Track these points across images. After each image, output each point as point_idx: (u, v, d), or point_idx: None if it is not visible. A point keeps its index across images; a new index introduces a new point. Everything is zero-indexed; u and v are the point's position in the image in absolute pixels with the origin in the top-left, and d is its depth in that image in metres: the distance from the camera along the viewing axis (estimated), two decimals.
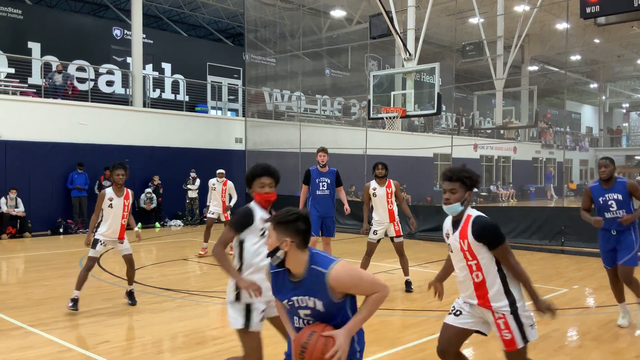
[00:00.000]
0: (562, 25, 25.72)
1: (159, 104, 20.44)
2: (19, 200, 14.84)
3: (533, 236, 13.35)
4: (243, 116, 21.68)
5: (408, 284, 8.59)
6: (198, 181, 18.10)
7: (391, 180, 8.53)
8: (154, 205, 17.62)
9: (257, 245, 3.92)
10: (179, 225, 18.05)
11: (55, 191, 15.95)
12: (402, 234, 8.58)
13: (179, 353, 5.65)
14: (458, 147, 21.07)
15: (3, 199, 14.71)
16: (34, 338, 6.02)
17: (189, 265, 11.18)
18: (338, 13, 24.47)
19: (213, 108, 22.66)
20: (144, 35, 19.74)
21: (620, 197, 6.15)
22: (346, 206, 9.21)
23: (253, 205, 3.99)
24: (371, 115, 14.27)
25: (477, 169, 29.84)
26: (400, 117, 13.65)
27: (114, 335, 6.17)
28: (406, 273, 8.66)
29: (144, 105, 19.03)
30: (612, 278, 6.51)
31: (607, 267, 6.51)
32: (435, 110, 12.94)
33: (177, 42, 24.69)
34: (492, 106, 25.20)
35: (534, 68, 35.47)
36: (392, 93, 13.56)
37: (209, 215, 12.25)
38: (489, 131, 31.41)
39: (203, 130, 19.62)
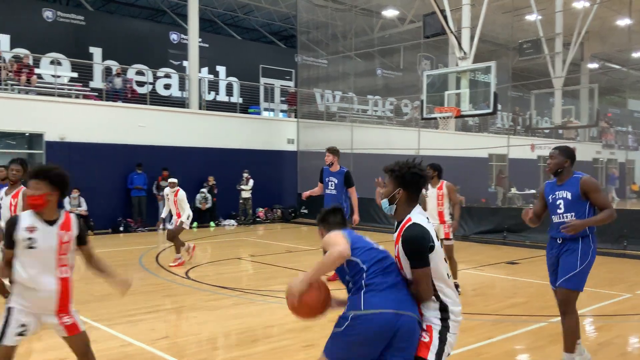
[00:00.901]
0: (623, 22, 24.70)
1: (214, 106, 20.85)
2: (82, 199, 15.44)
3: None
4: (295, 117, 21.86)
5: (455, 287, 8.43)
6: (251, 182, 18.37)
7: (444, 182, 8.39)
8: (208, 205, 17.97)
9: (21, 257, 3.58)
10: (233, 225, 18.35)
11: (115, 191, 16.50)
12: (452, 237, 8.40)
13: (234, 350, 5.75)
14: (514, 148, 20.61)
15: (67, 198, 15.34)
16: (97, 333, 6.24)
17: (243, 264, 11.36)
18: (390, 13, 24.33)
19: (266, 109, 22.93)
20: (200, 39, 20.18)
21: (569, 195, 4.78)
22: (355, 216, 8.80)
23: (25, 212, 3.70)
24: (424, 115, 14.12)
25: (535, 169, 29.04)
26: (455, 117, 13.45)
27: (173, 331, 6.34)
28: (454, 276, 8.52)
29: (200, 108, 19.45)
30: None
31: (553, 288, 5.00)
32: (491, 110, 12.68)
33: (231, 45, 25.12)
34: (550, 105, 24.50)
35: (594, 66, 34.22)
36: (446, 92, 13.37)
37: (168, 226, 11.51)
38: (546, 131, 30.52)
39: (256, 132, 19.88)
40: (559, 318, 6.92)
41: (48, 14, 19.62)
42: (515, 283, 9.26)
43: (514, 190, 24.85)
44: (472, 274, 10.05)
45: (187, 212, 10.75)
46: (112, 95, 17.58)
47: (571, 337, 4.81)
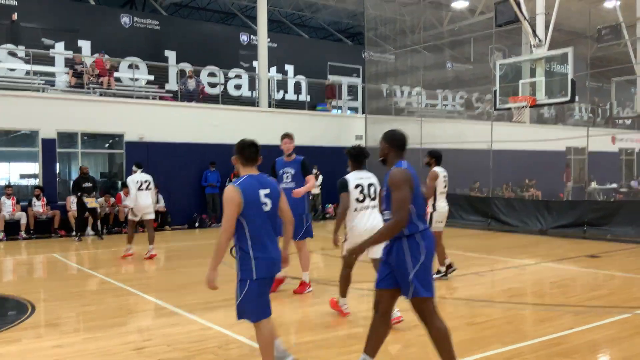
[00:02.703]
0: None
1: (283, 104, 21.15)
2: (160, 196, 16.04)
3: None
4: (363, 114, 21.82)
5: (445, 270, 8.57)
6: (321, 178, 18.50)
7: (432, 170, 8.39)
8: None
9: None
10: None
11: (191, 188, 17.05)
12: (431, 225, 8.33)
13: (307, 335, 5.83)
14: (594, 140, 19.71)
15: None
16: (179, 318, 6.50)
17: (315, 257, 11.45)
18: (460, 4, 23.80)
19: (333, 107, 23.01)
20: (269, 40, 20.51)
21: (384, 190, 4.28)
22: (300, 190, 7.55)
23: None
24: (497, 106, 13.74)
25: (615, 163, 27.67)
26: (530, 107, 13.00)
27: None
28: (440, 262, 8.48)
29: (269, 106, 19.78)
30: (375, 310, 4.33)
31: (376, 288, 4.35)
32: (569, 98, 12.16)
33: (299, 44, 25.39)
34: (632, 95, 23.22)
35: None
36: (520, 82, 12.92)
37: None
38: (628, 122, 28.96)
39: (324, 129, 20.00)
40: None
41: (125, 20, 20.55)
42: (597, 276, 8.86)
43: (594, 185, 23.74)
44: (552, 267, 9.70)
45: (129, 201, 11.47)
46: (186, 96, 18.19)
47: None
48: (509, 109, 13.27)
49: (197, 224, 16.85)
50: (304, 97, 22.53)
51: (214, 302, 7.20)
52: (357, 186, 6.15)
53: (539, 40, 12.77)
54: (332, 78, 24.20)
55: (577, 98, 20.83)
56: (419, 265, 4.05)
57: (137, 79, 17.88)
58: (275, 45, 23.18)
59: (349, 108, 24.02)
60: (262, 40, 19.63)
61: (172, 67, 20.08)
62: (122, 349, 5.39)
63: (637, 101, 21.01)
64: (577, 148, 24.12)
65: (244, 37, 23.40)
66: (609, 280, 8.54)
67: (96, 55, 17.93)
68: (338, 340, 5.61)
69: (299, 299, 7.36)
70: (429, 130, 20.00)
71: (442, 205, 8.38)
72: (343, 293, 6.43)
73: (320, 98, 22.87)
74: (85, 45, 19.23)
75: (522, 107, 12.70)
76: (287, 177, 7.78)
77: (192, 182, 17.05)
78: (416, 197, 4.14)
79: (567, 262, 10.12)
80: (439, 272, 8.42)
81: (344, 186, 6.17)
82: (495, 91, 13.81)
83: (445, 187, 8.43)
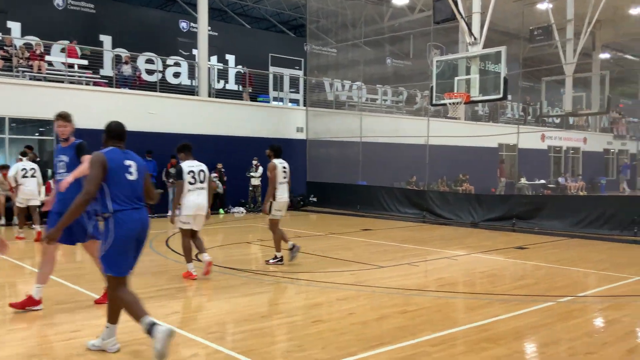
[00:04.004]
0: (636, 10, 24.47)
1: (223, 94, 20.89)
2: None
3: (604, 226, 12.88)
4: (304, 106, 21.86)
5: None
6: (261, 169, 18.42)
7: (271, 162, 9.06)
8: (219, 190, 18.03)
9: None
10: (242, 213, 18.41)
11: None
12: (269, 212, 9.00)
13: (244, 325, 5.80)
14: (524, 138, 20.54)
15: None
16: None
17: (252, 248, 11.43)
18: (400, 1, 24.19)
19: (275, 99, 22.94)
20: (209, 28, 20.18)
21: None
22: (67, 179, 5.88)
23: None
24: (434, 102, 14.09)
25: (544, 160, 28.95)
26: (465, 103, 13.41)
27: (183, 307, 6.40)
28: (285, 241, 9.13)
29: (209, 96, 19.50)
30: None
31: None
32: (501, 95, 12.62)
33: (241, 34, 25.13)
34: (561, 95, 24.36)
35: (606, 56, 33.88)
36: (456, 79, 13.32)
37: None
38: (557, 121, 30.36)
39: (265, 120, 19.92)
40: (569, 298, 6.97)
41: (59, 1, 19.71)
42: (524, 266, 9.26)
43: (523, 181, 24.75)
44: (482, 258, 10.06)
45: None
46: (121, 83, 17.65)
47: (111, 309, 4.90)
48: (445, 104, 13.63)
49: None
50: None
51: (147, 292, 7.06)
52: (189, 172, 7.87)
53: (475, 39, 13.17)
54: (273, 69, 24.09)
55: (509, 96, 21.61)
56: (108, 245, 4.55)
57: (70, 64, 17.19)
58: (216, 34, 22.86)
59: (290, 100, 24.00)
60: (203, 28, 19.29)
61: (107, 51, 19.43)
62: (49, 340, 5.21)
63: (566, 101, 22.03)
64: (509, 145, 25.07)
65: (183, 24, 22.93)
66: (535, 271, 8.94)
67: (35, 38, 17.15)
68: (273, 329, 5.62)
69: (232, 289, 7.31)
70: (368, 124, 20.32)
71: (282, 195, 8.98)
72: (188, 260, 7.83)
73: (262, 89, 22.73)
74: (15, 26, 18.35)
75: (457, 103, 13.08)
76: (62, 165, 6.20)
77: None
78: (113, 180, 4.59)
79: (496, 253, 10.52)
80: (275, 257, 9.04)
81: (180, 174, 7.78)
82: (432, 87, 14.15)
83: (284, 177, 9.06)
